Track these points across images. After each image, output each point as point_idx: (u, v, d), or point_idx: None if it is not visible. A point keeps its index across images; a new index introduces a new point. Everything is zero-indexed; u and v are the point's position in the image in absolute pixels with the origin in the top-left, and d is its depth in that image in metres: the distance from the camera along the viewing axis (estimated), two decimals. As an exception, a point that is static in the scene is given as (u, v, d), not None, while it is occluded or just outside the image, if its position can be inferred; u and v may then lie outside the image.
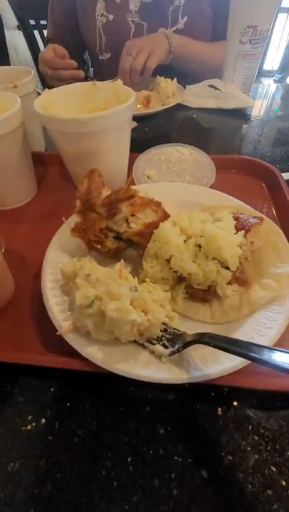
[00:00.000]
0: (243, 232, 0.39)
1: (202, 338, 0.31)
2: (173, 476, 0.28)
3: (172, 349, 0.33)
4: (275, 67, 3.95)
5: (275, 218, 0.54)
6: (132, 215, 0.43)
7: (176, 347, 0.33)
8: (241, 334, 0.35)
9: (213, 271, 0.38)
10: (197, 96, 0.96)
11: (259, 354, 0.26)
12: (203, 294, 0.40)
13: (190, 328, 0.37)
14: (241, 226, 0.41)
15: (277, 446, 0.30)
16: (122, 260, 0.39)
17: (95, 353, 0.33)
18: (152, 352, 0.34)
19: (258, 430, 0.31)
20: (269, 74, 4.09)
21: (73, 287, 0.37)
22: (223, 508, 0.27)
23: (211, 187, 0.58)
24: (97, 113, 0.47)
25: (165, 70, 0.99)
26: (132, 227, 0.44)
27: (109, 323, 0.33)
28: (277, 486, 0.27)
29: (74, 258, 0.41)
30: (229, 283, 0.39)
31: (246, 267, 0.41)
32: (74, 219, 0.48)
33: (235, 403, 0.33)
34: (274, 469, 0.28)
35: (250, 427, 0.31)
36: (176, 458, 0.29)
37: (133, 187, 0.55)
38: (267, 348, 0.27)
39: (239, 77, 0.89)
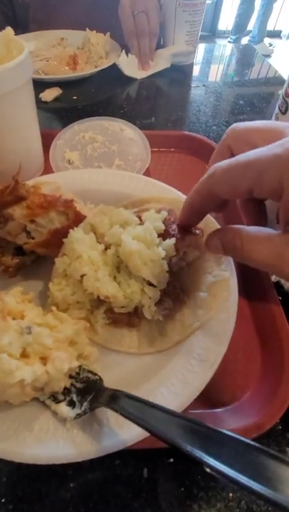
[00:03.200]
0: (172, 241, 0.30)
1: (113, 402, 0.23)
2: None
3: (78, 411, 0.25)
4: (230, 27, 3.75)
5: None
6: (32, 222, 0.32)
7: (84, 407, 0.25)
8: (171, 372, 0.28)
9: (136, 291, 0.30)
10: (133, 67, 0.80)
11: (174, 437, 0.19)
12: (128, 318, 0.32)
13: (112, 363, 0.30)
14: (173, 232, 0.31)
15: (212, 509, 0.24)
16: (17, 288, 0.29)
17: None
18: (55, 414, 0.26)
19: (191, 490, 0.25)
20: (224, 35, 3.88)
21: None
22: None
23: (146, 171, 0.48)
24: None
25: None
26: (33, 237, 0.33)
27: (-14, 389, 0.23)
28: None
29: None
30: (159, 302, 0.32)
31: (182, 279, 0.34)
32: None
33: (164, 458, 0.27)
34: None
35: (182, 489, 0.25)
36: None
37: (43, 177, 0.43)
38: (189, 423, 0.19)
39: (181, 33, 0.76)
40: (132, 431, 0.24)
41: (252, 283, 0.36)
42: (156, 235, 0.31)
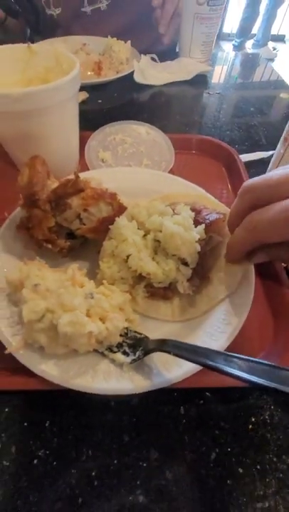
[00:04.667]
0: (203, 226, 0.37)
1: (163, 346, 0.30)
2: (138, 482, 0.29)
3: (133, 357, 0.31)
4: (235, 31, 3.81)
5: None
6: (85, 210, 0.39)
7: (137, 354, 0.31)
8: (202, 332, 0.35)
9: (172, 269, 0.37)
10: (147, 73, 0.86)
11: (217, 363, 0.26)
12: (163, 292, 0.39)
13: (152, 328, 0.36)
14: (202, 220, 0.39)
15: (235, 438, 0.31)
16: (75, 265, 0.35)
17: (51, 370, 0.31)
18: (113, 361, 0.32)
19: (219, 424, 0.32)
20: (229, 38, 3.94)
21: (20, 298, 0.33)
22: (189, 507, 0.28)
23: (170, 171, 0.55)
24: (34, 87, 0.39)
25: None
26: (85, 224, 0.40)
27: (64, 337, 0.30)
28: (236, 474, 0.29)
29: (21, 263, 0.37)
30: (189, 279, 0.38)
31: (207, 261, 0.41)
32: (19, 213, 0.43)
33: (196, 400, 0.33)
34: (233, 459, 0.30)
35: (211, 422, 0.32)
36: (140, 463, 0.30)
37: (84, 174, 0.49)
38: (224, 355, 0.26)
39: (197, 44, 0.83)
40: (176, 372, 0.30)
41: (265, 267, 0.43)
42: (192, 222, 0.37)
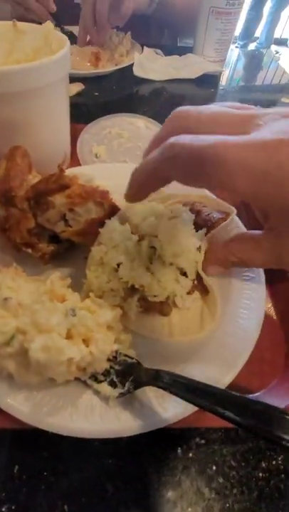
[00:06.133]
0: (204, 230, 0.33)
1: (157, 380, 0.24)
2: None
3: (121, 390, 0.26)
4: (237, 33, 3.79)
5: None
6: (70, 210, 0.34)
7: (127, 387, 0.26)
8: (205, 357, 0.29)
9: (170, 280, 0.32)
10: (148, 67, 0.80)
11: (225, 409, 0.20)
12: (160, 307, 0.34)
13: (144, 348, 0.31)
14: (203, 222, 0.34)
15: (243, 488, 0.26)
16: (57, 274, 0.30)
17: (20, 405, 0.25)
18: (97, 392, 0.27)
19: (223, 470, 0.27)
20: (233, 40, 3.91)
21: (-12, 314, 0.27)
22: None
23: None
24: (17, 66, 0.34)
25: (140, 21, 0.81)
26: (71, 226, 0.34)
27: (36, 365, 0.25)
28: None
29: (-7, 270, 0.31)
30: (189, 292, 0.33)
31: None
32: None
33: (197, 439, 0.28)
34: (241, 517, 0.25)
35: (213, 468, 0.27)
36: (128, 523, 0.24)
37: (75, 169, 0.44)
38: (234, 396, 0.21)
39: (211, 41, 0.77)
40: (173, 409, 0.25)
41: (276, 278, 0.38)
42: (193, 227, 0.32)
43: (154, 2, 0.80)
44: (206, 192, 0.41)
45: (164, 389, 0.23)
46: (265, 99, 0.81)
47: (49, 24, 0.41)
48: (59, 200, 0.32)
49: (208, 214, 0.35)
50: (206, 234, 0.33)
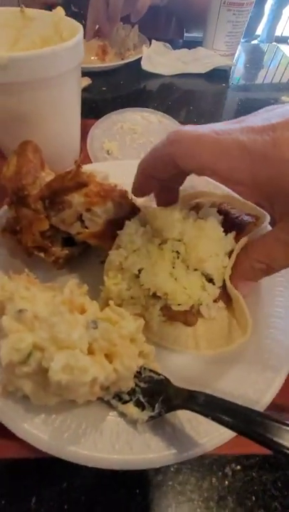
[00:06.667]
0: (233, 234, 0.30)
1: (192, 404, 0.22)
2: None
3: (151, 413, 0.23)
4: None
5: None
6: (88, 210, 0.31)
7: (157, 410, 0.23)
8: (237, 373, 0.26)
9: (196, 286, 0.29)
10: (156, 61, 0.77)
11: (272, 435, 0.17)
12: (184, 316, 0.30)
13: (167, 361, 0.28)
14: (231, 225, 0.31)
15: (289, 521, 0.23)
16: (74, 281, 0.27)
17: (38, 430, 0.22)
18: (123, 415, 0.24)
19: (265, 501, 0.24)
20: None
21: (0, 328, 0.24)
22: None
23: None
24: (26, 52, 0.31)
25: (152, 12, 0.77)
26: (87, 227, 0.31)
27: (57, 387, 0.22)
28: None
29: (5, 277, 0.28)
30: (215, 300, 0.30)
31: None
32: (5, 213, 0.35)
33: (233, 465, 0.25)
34: None
35: (254, 498, 0.24)
36: None
37: (87, 167, 0.41)
38: (283, 422, 0.18)
39: (222, 33, 0.74)
40: (210, 435, 0.22)
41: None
42: (222, 230, 0.29)
43: None
44: (231, 192, 0.38)
45: (202, 414, 0.21)
46: (266, 97, 0.78)
47: (60, 10, 0.38)
48: (76, 199, 0.29)
49: (238, 216, 0.32)
50: (235, 237, 0.30)
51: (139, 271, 0.30)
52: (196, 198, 0.38)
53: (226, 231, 0.30)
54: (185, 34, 1.04)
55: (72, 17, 0.39)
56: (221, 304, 0.31)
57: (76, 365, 0.21)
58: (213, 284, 0.30)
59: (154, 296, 0.30)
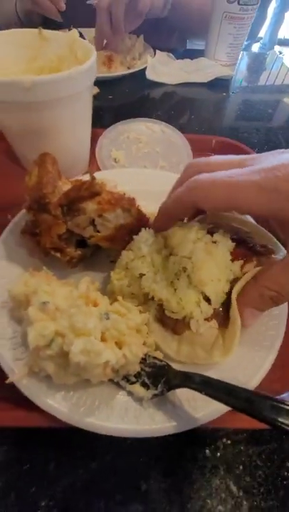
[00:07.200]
0: (240, 263, 0.31)
1: (190, 383, 0.26)
2: None
3: (155, 391, 0.27)
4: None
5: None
6: (100, 216, 0.35)
7: (160, 389, 0.27)
8: (230, 361, 0.30)
9: (190, 302, 0.30)
10: (161, 70, 0.81)
11: (262, 410, 0.21)
12: (174, 324, 0.32)
13: None
14: (242, 254, 0.31)
15: (270, 487, 0.27)
16: (88, 278, 0.31)
17: (59, 405, 0.26)
18: (130, 393, 0.28)
19: (250, 470, 0.28)
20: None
21: (25, 317, 0.28)
22: None
23: (188, 174, 0.51)
24: (47, 76, 0.35)
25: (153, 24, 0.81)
26: (99, 231, 0.35)
27: (75, 367, 0.26)
28: (273, 534, 0.25)
29: (26, 273, 0.32)
30: (207, 319, 0.31)
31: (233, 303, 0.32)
32: (24, 216, 0.38)
33: (224, 440, 0.29)
34: (268, 514, 0.26)
35: (241, 467, 0.28)
36: (162, 518, 0.25)
37: (96, 174, 0.45)
38: (269, 399, 0.22)
39: (223, 45, 0.78)
40: (203, 410, 0.26)
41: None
42: (230, 258, 0.31)
43: (168, 3, 0.81)
44: (250, 218, 0.37)
45: (198, 390, 0.24)
46: (268, 99, 0.81)
47: (74, 33, 0.42)
48: (90, 206, 0.33)
49: (252, 246, 0.32)
50: (242, 266, 0.31)
51: (141, 275, 0.33)
52: (217, 219, 0.37)
53: (237, 258, 0.31)
54: (187, 43, 1.08)
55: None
56: (213, 323, 0.31)
57: (92, 349, 0.25)
58: (210, 303, 0.30)
59: (152, 298, 0.32)
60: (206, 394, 0.24)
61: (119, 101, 0.74)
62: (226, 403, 0.23)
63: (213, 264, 0.30)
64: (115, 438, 0.27)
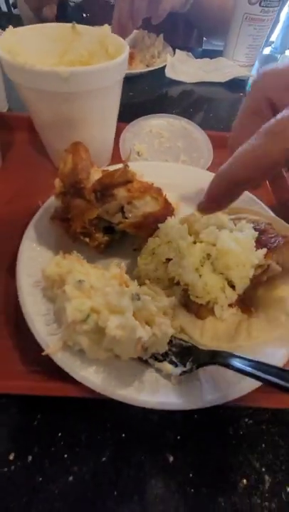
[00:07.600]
0: (264, 251, 0.32)
1: (218, 359, 0.27)
2: (185, 510, 0.25)
3: (183, 368, 0.28)
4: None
5: (273, 205, 0.50)
6: (129, 203, 0.36)
7: (188, 366, 0.28)
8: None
9: (216, 286, 0.32)
10: (179, 69, 0.82)
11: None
12: (198, 309, 0.33)
13: None
14: (264, 243, 0.33)
15: (292, 465, 0.28)
16: (118, 261, 0.32)
17: (92, 377, 0.27)
18: (159, 371, 0.29)
19: (273, 448, 0.29)
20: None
21: (60, 295, 0.30)
22: None
23: (208, 169, 0.52)
24: (83, 67, 0.36)
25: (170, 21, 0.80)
26: (128, 218, 0.37)
27: (110, 341, 0.27)
28: (294, 508, 0.26)
29: (58, 256, 0.34)
30: (230, 305, 0.33)
31: (256, 291, 0.35)
32: (53, 203, 0.40)
33: (246, 419, 0.30)
34: (290, 490, 0.27)
35: (263, 445, 0.29)
36: (188, 489, 0.26)
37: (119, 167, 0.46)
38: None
39: (242, 46, 0.79)
40: (231, 388, 0.27)
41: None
42: (254, 244, 0.32)
43: (189, 2, 0.82)
44: (270, 212, 0.40)
45: (227, 366, 0.26)
46: None
47: (106, 28, 0.44)
48: (121, 193, 0.35)
49: (274, 236, 0.33)
50: (265, 255, 0.32)
51: (168, 260, 0.34)
52: (240, 213, 0.39)
53: (259, 247, 0.32)
54: (204, 42, 1.09)
55: (83, 23, 0.43)
56: (236, 310, 0.33)
57: (127, 325, 0.26)
58: (234, 289, 0.32)
59: (177, 283, 0.34)
60: (236, 370, 0.25)
61: (139, 98, 0.75)
62: (257, 378, 0.24)
63: (238, 249, 0.31)
64: (141, 413, 0.28)
